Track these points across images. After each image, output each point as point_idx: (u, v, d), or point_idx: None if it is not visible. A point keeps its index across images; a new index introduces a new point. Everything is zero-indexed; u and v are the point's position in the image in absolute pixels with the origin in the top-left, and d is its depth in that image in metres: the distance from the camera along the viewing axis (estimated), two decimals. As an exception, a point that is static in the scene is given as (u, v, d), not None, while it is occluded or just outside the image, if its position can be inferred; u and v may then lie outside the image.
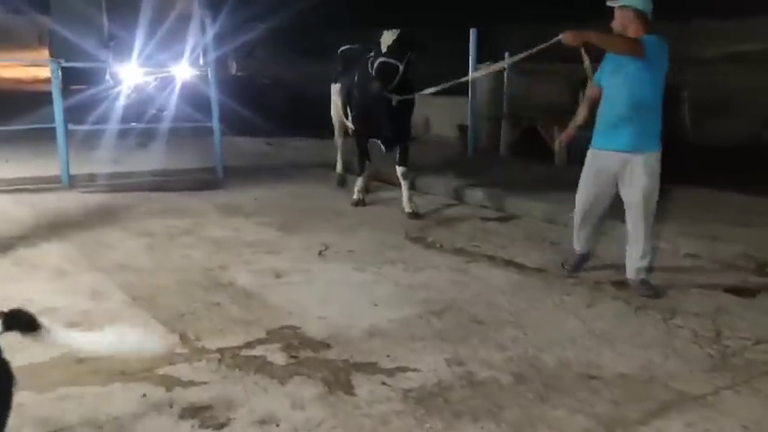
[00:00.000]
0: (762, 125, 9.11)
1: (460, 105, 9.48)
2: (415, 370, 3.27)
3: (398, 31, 5.86)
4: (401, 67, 5.84)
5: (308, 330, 3.71)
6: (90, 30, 14.21)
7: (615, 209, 4.45)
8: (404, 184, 6.35)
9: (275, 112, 10.59)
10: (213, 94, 7.87)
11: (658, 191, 4.25)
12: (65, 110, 7.32)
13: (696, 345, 3.62)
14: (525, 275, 4.72)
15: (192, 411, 2.87)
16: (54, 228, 5.62)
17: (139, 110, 10.49)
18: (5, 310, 2.12)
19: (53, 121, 7.22)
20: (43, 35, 19.75)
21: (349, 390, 3.08)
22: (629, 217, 4.32)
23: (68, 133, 7.30)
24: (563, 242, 5.45)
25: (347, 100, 6.72)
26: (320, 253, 5.13)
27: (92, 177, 7.44)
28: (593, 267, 4.76)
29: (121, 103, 10.90)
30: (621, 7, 4.14)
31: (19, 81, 19.16)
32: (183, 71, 10.79)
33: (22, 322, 2.13)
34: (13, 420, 2.77)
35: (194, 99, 9.13)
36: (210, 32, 8.20)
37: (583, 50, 4.31)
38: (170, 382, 3.10)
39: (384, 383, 3.14)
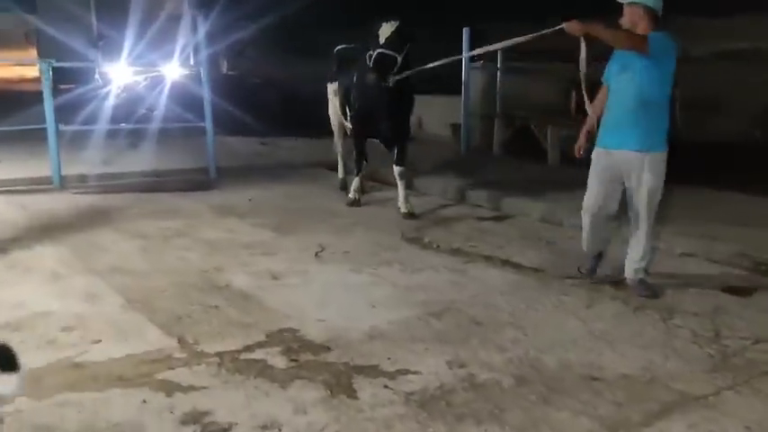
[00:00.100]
0: (751, 123, 9.19)
1: (453, 104, 9.49)
2: (416, 372, 3.25)
3: (397, 22, 5.80)
4: (399, 59, 5.79)
5: (307, 333, 3.67)
6: (78, 29, 14.09)
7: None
8: (400, 184, 6.33)
9: (267, 112, 10.58)
10: (206, 93, 7.79)
11: (662, 190, 4.22)
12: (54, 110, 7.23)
13: (696, 345, 3.62)
14: (523, 275, 4.71)
15: (194, 417, 2.83)
16: (47, 230, 5.56)
17: (129, 110, 10.43)
18: None
19: (43, 121, 7.12)
20: (30, 34, 19.55)
21: (351, 393, 3.06)
22: (632, 216, 4.29)
23: (58, 134, 7.22)
24: (558, 241, 5.48)
25: (345, 99, 6.69)
26: (317, 254, 5.10)
27: (83, 178, 7.37)
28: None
29: (111, 102, 10.83)
30: (631, 4, 4.06)
31: (5, 81, 18.96)
32: (174, 71, 10.73)
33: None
34: (11, 427, 2.75)
35: (184, 99, 9.09)
36: (202, 31, 8.11)
37: (583, 42, 4.21)
38: (170, 388, 3.06)
39: (386, 386, 3.12)
